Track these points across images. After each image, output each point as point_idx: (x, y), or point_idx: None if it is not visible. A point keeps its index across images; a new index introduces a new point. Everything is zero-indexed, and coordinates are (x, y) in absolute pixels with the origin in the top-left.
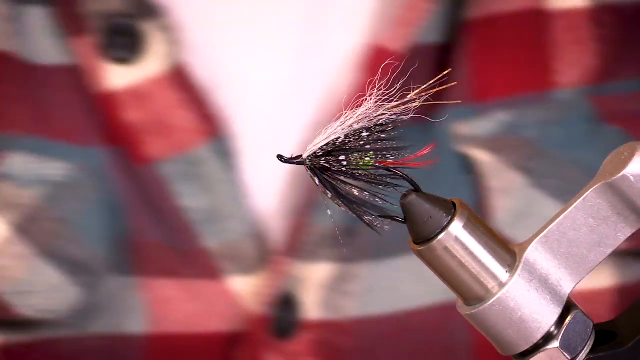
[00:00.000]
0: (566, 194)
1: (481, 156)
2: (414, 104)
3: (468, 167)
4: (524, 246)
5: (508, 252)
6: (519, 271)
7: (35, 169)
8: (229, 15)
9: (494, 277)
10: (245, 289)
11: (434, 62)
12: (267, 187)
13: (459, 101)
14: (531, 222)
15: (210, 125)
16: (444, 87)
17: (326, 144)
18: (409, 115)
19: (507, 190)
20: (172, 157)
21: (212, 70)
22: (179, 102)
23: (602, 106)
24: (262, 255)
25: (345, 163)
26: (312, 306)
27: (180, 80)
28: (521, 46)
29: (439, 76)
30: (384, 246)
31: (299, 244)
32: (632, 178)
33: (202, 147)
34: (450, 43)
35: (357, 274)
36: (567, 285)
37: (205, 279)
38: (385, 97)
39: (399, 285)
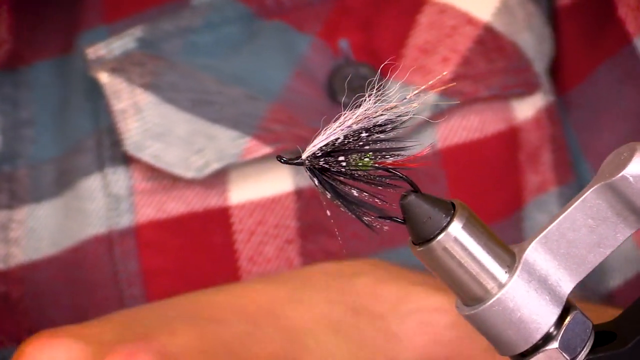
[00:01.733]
0: (200, 105)
1: (103, 78)
2: (414, 105)
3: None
4: (523, 247)
5: (507, 252)
6: (518, 272)
7: None
8: None
9: (493, 277)
10: None
11: None
12: None
13: (458, 101)
14: (169, 139)
15: None
16: (445, 87)
17: (325, 145)
18: (409, 116)
19: (136, 110)
20: None
21: None
22: None
23: (259, 2)
24: None
25: (344, 164)
26: None
27: None
28: None
29: (439, 76)
30: (43, 188)
31: None
32: (631, 179)
33: None
34: None
35: (18, 219)
36: (566, 285)
37: None
38: (384, 97)
39: (60, 225)
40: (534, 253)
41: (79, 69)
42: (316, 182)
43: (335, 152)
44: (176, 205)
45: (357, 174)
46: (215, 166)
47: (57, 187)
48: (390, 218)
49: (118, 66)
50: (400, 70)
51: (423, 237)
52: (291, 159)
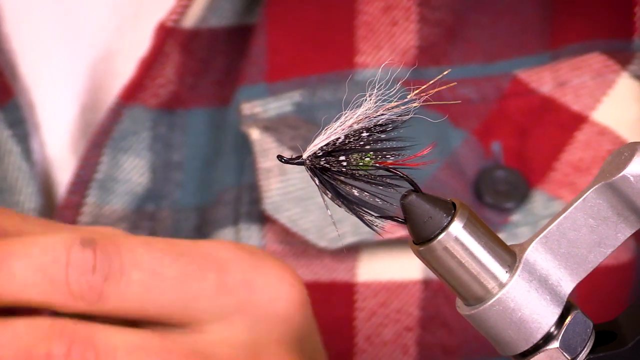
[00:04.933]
0: None
1: (254, 135)
2: (414, 104)
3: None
4: (524, 246)
5: (508, 252)
6: (518, 271)
7: None
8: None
9: (493, 277)
10: None
11: (233, 42)
12: (61, 162)
13: (459, 101)
14: (308, 205)
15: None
16: (445, 86)
17: (326, 144)
18: (409, 116)
19: (280, 171)
20: None
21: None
22: None
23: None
24: None
25: (345, 163)
26: None
27: None
28: (323, 25)
29: (439, 76)
30: (183, 234)
31: (75, 224)
32: (632, 178)
33: None
34: (253, 23)
35: None
36: (567, 285)
37: None
38: (385, 97)
39: None
40: (535, 253)
41: (232, 122)
42: (317, 181)
43: (336, 151)
44: (303, 272)
45: (357, 173)
46: (349, 240)
47: (196, 236)
48: (390, 218)
49: (271, 125)
50: (549, 183)
51: (424, 237)
52: (292, 159)
